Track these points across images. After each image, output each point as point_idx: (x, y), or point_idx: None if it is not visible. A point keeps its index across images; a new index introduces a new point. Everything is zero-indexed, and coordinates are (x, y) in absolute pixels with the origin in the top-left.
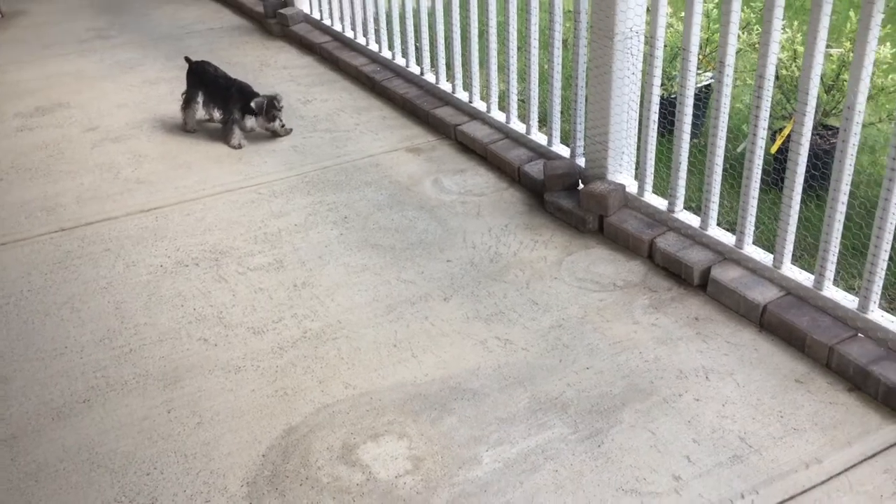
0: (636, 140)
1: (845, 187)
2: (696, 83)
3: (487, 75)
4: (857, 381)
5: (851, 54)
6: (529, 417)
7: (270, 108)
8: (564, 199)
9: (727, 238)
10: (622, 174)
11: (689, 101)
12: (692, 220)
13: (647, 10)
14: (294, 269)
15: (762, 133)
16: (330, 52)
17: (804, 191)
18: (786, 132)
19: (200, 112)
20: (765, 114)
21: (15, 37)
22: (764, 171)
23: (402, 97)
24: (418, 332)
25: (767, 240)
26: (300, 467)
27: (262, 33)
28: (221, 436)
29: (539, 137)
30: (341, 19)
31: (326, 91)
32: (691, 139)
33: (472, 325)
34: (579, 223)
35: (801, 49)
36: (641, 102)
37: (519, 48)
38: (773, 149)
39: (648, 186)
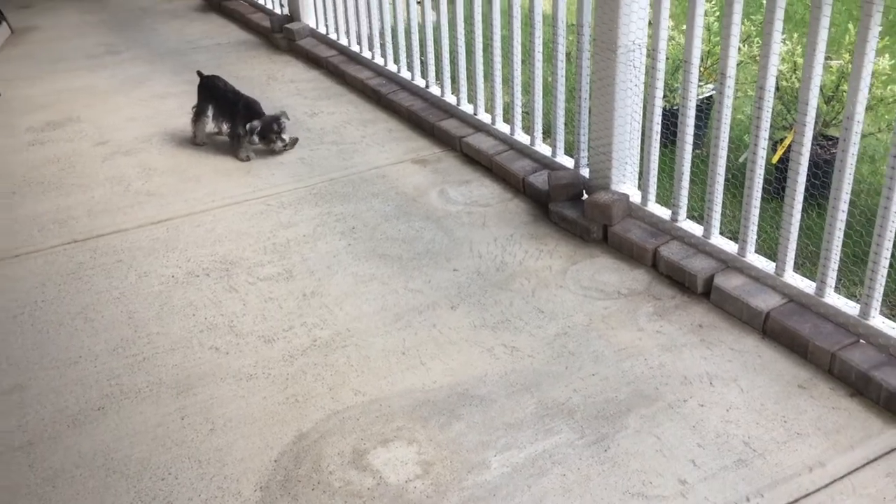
0: (639, 150)
1: (845, 196)
2: (698, 95)
3: (492, 88)
4: (859, 387)
5: (850, 66)
6: (536, 423)
7: (268, 130)
8: (569, 209)
9: (730, 247)
10: (626, 184)
11: (691, 112)
12: (695, 229)
13: (649, 23)
14: (303, 279)
15: (763, 143)
16: (336, 66)
17: (806, 200)
18: (787, 142)
19: (210, 125)
20: (765, 124)
21: (26, 52)
22: (766, 181)
23: (408, 110)
24: (426, 340)
25: (770, 248)
26: (312, 472)
27: (269, 48)
28: (234, 442)
29: (543, 149)
30: (347, 33)
31: (333, 104)
32: (694, 150)
33: (479, 333)
34: (584, 233)
35: (800, 61)
36: (644, 114)
37: (523, 61)
38: (775, 159)
39: (652, 196)
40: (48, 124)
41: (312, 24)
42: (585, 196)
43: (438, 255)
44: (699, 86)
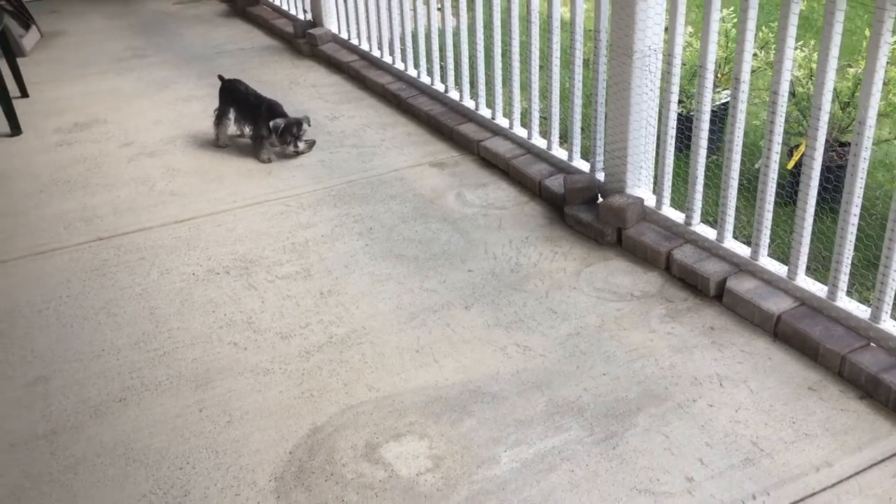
0: (654, 155)
1: (857, 200)
2: (715, 101)
3: (510, 93)
4: (869, 389)
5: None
6: (547, 420)
7: (286, 132)
8: (584, 212)
9: (743, 250)
10: (640, 188)
11: (706, 118)
12: (709, 232)
13: (665, 29)
14: (321, 278)
15: (776, 148)
16: (357, 71)
17: (820, 205)
18: (802, 148)
19: (232, 128)
20: (779, 129)
21: (55, 56)
22: (781, 187)
23: (427, 114)
24: (440, 339)
25: (784, 252)
26: (325, 464)
27: (292, 53)
28: (250, 434)
29: (560, 153)
30: (368, 39)
31: (353, 108)
32: (710, 155)
33: (493, 332)
34: (598, 236)
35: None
36: (659, 118)
37: (541, 67)
38: (790, 164)
39: (666, 200)
40: (75, 126)
41: (334, 30)
42: (600, 200)
43: (454, 256)
44: (717, 92)
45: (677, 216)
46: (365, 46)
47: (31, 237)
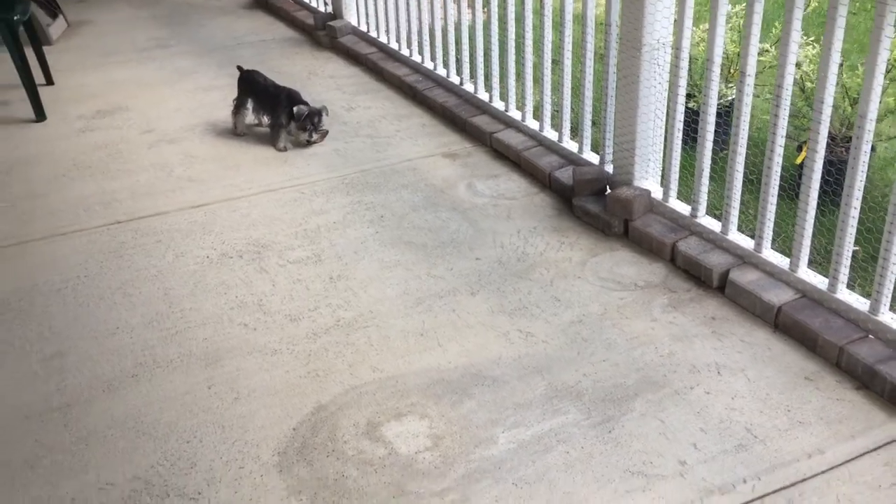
0: (662, 147)
1: (858, 193)
2: (726, 96)
3: (523, 86)
4: (865, 380)
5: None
6: (545, 404)
7: (308, 119)
8: (592, 203)
9: (747, 243)
10: (648, 180)
11: (713, 111)
12: (714, 225)
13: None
14: (331, 263)
15: (780, 141)
16: (375, 63)
17: (827, 200)
18: None
19: (250, 117)
20: (783, 123)
21: (80, 45)
22: (790, 182)
23: (442, 106)
24: (445, 324)
25: (790, 246)
26: (327, 441)
27: (312, 45)
28: (256, 411)
29: (571, 145)
30: (387, 32)
31: (370, 99)
32: (721, 151)
33: (497, 319)
34: (605, 227)
35: None
36: (668, 112)
37: (554, 61)
38: (799, 160)
39: (673, 192)
40: (98, 113)
41: (354, 23)
42: (609, 191)
43: (462, 245)
44: (729, 87)
45: (684, 208)
46: (383, 39)
47: (52, 219)
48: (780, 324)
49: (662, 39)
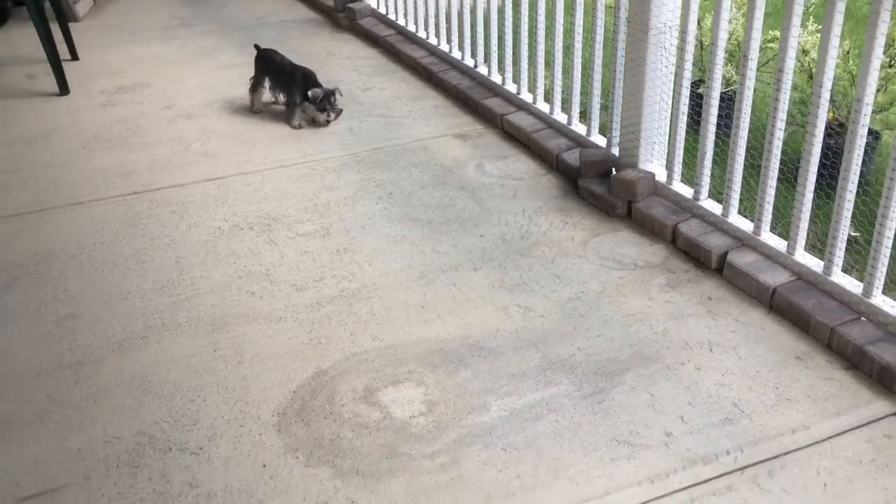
0: (668, 130)
1: (854, 177)
2: (736, 83)
3: (535, 69)
4: (855, 361)
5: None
6: (538, 375)
7: (325, 101)
8: (597, 185)
9: (746, 225)
10: (653, 163)
11: (716, 94)
12: (716, 208)
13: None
14: (338, 237)
15: (780, 125)
16: (392, 45)
17: (835, 185)
18: None
19: (267, 95)
20: (783, 106)
21: (106, 23)
22: (796, 167)
23: (456, 88)
24: (445, 297)
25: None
26: (325, 403)
27: (332, 26)
28: (259, 374)
29: (579, 128)
30: (405, 14)
31: (386, 81)
32: (729, 135)
33: (497, 293)
34: (609, 208)
35: (834, 52)
36: (673, 95)
37: (566, 47)
38: None
39: (677, 175)
40: (120, 88)
41: (374, 5)
42: (614, 173)
43: (467, 222)
44: (738, 73)
45: (687, 191)
46: (402, 21)
47: (72, 189)
48: (775, 305)
49: (669, 23)
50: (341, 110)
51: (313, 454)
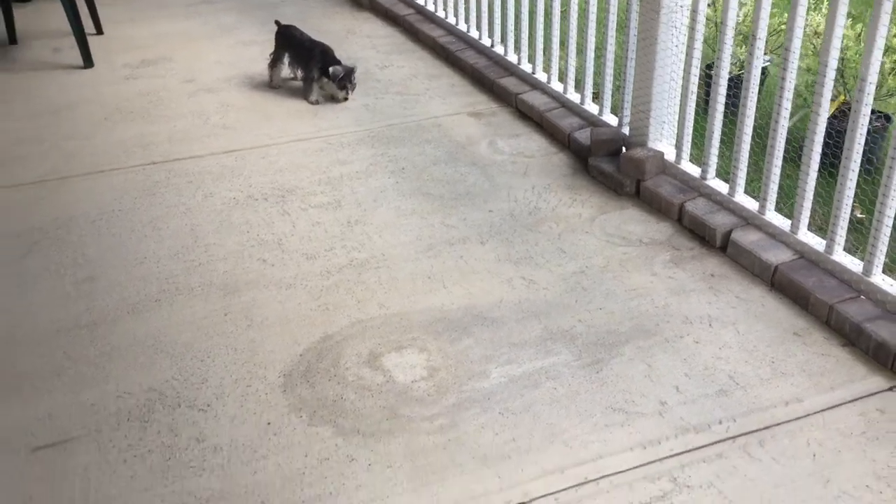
0: (678, 110)
1: (857, 157)
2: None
3: (550, 49)
4: (852, 338)
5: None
6: (539, 345)
7: (345, 78)
8: (607, 163)
9: (752, 205)
10: (662, 142)
11: (725, 73)
12: (722, 187)
13: None
14: (350, 209)
15: (787, 104)
16: (411, 24)
17: (832, 164)
18: (831, 109)
19: (286, 71)
20: (790, 85)
21: None
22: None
23: (472, 67)
24: (452, 269)
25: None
26: (330, 367)
27: (352, 5)
28: (267, 337)
29: (591, 107)
30: None
31: (403, 59)
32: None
33: (502, 266)
34: (618, 186)
35: (850, 33)
36: (684, 75)
37: (581, 27)
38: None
39: (685, 154)
40: (143, 62)
41: None
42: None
43: (477, 197)
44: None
45: (694, 170)
46: (421, 1)
47: (93, 158)
48: (776, 282)
49: (681, 2)
50: (355, 85)
51: (316, 414)
